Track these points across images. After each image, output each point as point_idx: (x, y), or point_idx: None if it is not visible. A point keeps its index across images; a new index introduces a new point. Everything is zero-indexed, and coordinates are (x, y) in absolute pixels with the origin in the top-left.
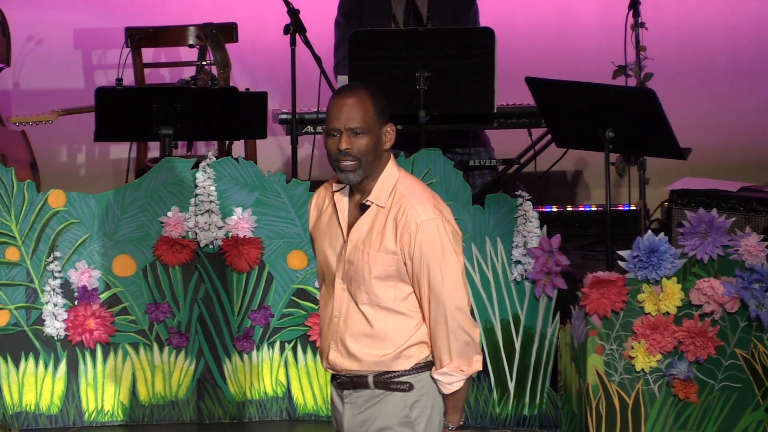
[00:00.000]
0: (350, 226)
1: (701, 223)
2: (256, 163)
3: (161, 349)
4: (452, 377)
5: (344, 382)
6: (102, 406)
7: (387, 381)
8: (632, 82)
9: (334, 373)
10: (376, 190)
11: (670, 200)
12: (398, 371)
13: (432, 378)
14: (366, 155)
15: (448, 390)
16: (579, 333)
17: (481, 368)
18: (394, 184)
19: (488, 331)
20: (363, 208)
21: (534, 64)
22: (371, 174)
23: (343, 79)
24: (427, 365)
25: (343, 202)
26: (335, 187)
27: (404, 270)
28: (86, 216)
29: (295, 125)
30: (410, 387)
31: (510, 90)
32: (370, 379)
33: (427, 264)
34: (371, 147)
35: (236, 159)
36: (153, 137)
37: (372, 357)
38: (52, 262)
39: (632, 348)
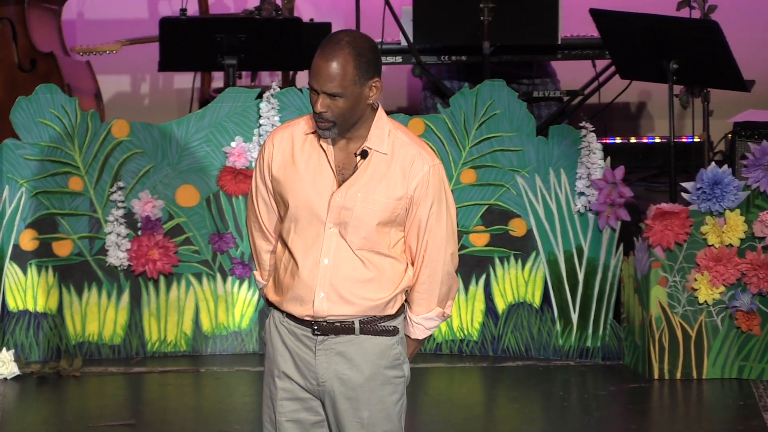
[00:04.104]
0: (338, 170)
1: (765, 155)
2: None
3: (224, 280)
4: (434, 322)
5: (324, 327)
6: (165, 337)
7: (375, 326)
8: (696, 14)
9: (309, 319)
10: (373, 137)
11: (733, 132)
12: (386, 315)
13: (406, 320)
14: (341, 117)
15: (424, 334)
16: (642, 265)
17: (451, 314)
18: (388, 131)
19: (551, 262)
20: (364, 154)
21: None
22: (356, 123)
23: (407, 10)
24: (403, 308)
25: (329, 145)
26: (307, 129)
27: (404, 215)
28: (150, 146)
29: None
30: (396, 330)
31: (574, 21)
32: (357, 324)
33: (432, 208)
34: (347, 109)
35: (300, 89)
36: (217, 67)
37: (367, 302)
38: (115, 192)
39: (695, 280)
